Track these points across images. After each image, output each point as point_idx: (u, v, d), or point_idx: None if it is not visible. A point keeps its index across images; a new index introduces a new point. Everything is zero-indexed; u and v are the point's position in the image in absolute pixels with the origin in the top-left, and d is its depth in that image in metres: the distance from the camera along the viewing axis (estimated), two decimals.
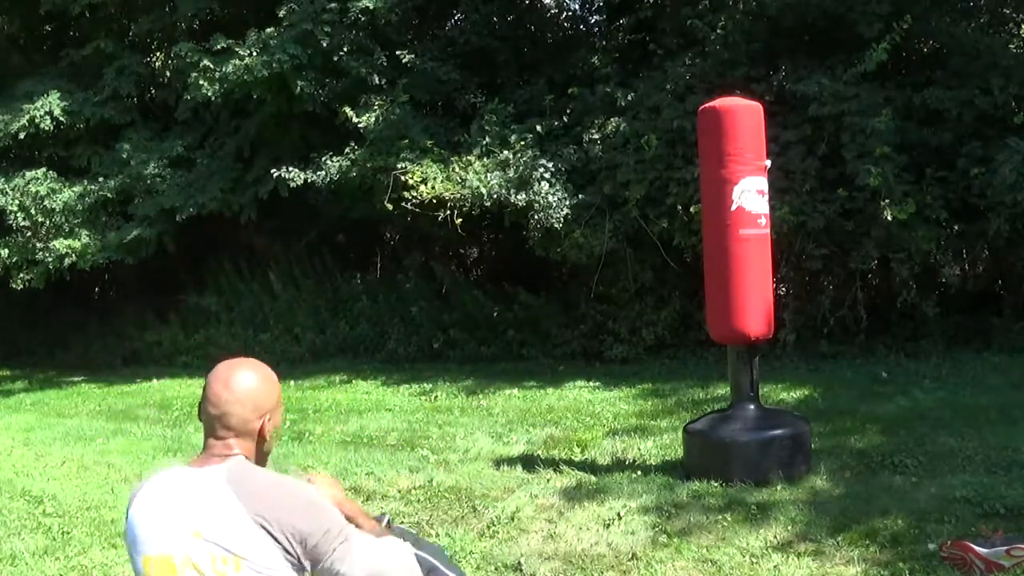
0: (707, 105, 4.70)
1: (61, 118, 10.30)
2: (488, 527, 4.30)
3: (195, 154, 10.32)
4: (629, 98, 8.15)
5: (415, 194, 8.08)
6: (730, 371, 4.82)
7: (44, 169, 10.43)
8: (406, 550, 1.98)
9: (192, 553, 1.73)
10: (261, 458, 1.92)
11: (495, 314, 9.24)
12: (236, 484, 1.76)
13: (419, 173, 8.17)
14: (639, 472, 4.86)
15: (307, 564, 1.75)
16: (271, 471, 1.88)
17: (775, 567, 3.61)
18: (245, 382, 1.90)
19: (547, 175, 7.97)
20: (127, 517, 1.83)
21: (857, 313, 7.60)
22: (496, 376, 8.21)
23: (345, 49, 9.22)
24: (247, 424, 1.86)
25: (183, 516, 1.75)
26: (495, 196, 7.94)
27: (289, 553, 1.73)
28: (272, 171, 9.16)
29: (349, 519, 1.90)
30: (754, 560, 3.69)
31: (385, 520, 2.16)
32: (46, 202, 10.06)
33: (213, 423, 1.85)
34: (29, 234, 10.22)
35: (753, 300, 4.54)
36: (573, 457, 5.33)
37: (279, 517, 1.72)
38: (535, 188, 7.88)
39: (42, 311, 12.62)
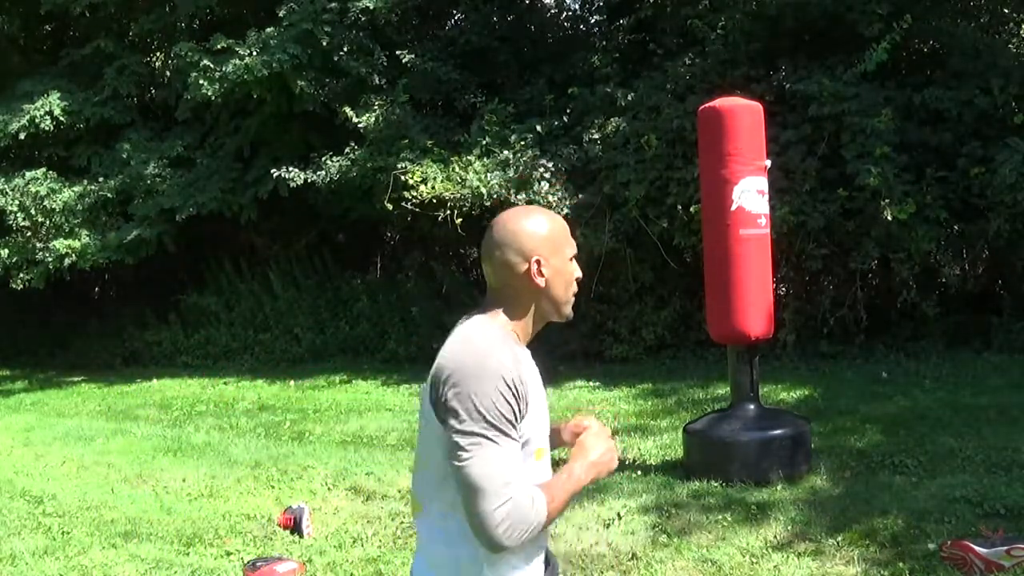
0: (707, 105, 4.70)
1: (61, 118, 10.31)
2: None
3: (195, 154, 10.32)
4: (629, 98, 8.15)
5: (415, 194, 8.08)
6: (730, 371, 4.82)
7: (44, 169, 10.43)
8: (540, 495, 1.72)
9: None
10: (543, 310, 1.76)
11: None
12: (448, 345, 1.67)
13: (419, 173, 8.17)
14: (639, 472, 4.86)
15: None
16: (488, 335, 1.70)
17: (775, 567, 3.61)
18: (513, 223, 1.70)
19: (547, 175, 7.97)
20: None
21: (857, 313, 7.60)
22: None
23: (345, 49, 9.22)
24: (511, 268, 1.68)
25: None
26: (495, 196, 7.94)
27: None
28: (272, 171, 9.16)
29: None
30: (754, 560, 3.69)
31: None
32: (46, 202, 10.06)
33: (486, 274, 1.73)
34: (29, 234, 10.22)
35: (753, 300, 4.54)
36: None
37: (439, 391, 1.64)
38: (535, 188, 7.88)
39: (42, 311, 12.62)
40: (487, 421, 1.53)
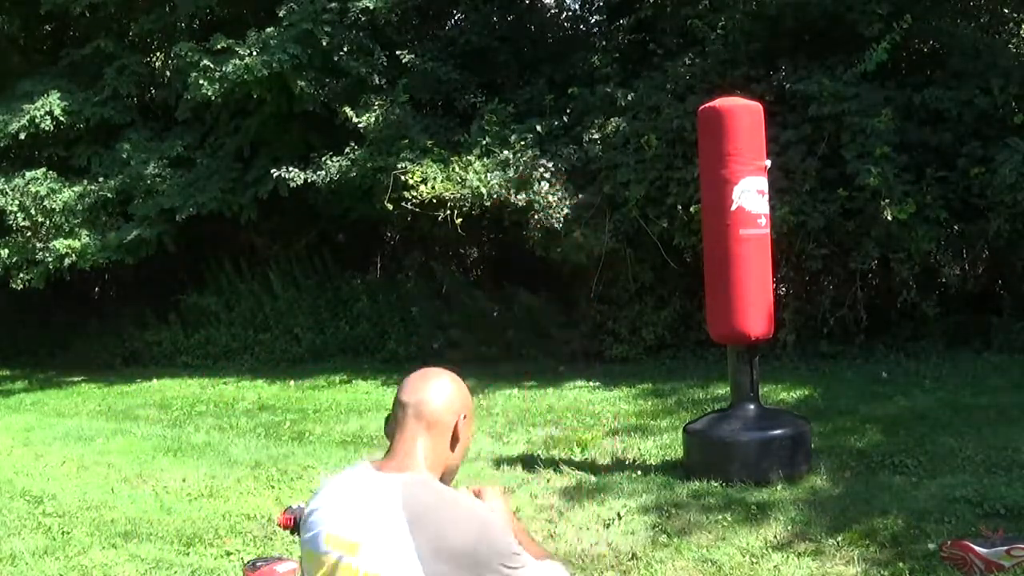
0: (707, 105, 4.70)
1: (61, 118, 10.30)
2: None
3: (195, 154, 10.32)
4: (629, 98, 8.15)
5: (415, 194, 8.08)
6: (730, 371, 4.82)
7: (44, 169, 10.42)
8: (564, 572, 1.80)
9: (351, 565, 1.62)
10: (449, 472, 1.77)
11: (495, 314, 9.23)
12: (409, 500, 1.62)
13: (419, 173, 8.17)
14: (639, 472, 4.86)
15: None
16: (451, 490, 1.72)
17: (775, 567, 3.61)
18: (441, 381, 1.77)
19: (547, 175, 7.97)
20: (308, 515, 1.72)
21: (857, 313, 7.60)
22: (496, 376, 8.20)
23: (345, 49, 9.22)
24: (442, 416, 1.72)
25: (352, 527, 1.64)
26: (495, 196, 7.94)
27: None
28: (272, 171, 9.16)
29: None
30: (754, 560, 3.69)
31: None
32: (46, 202, 10.06)
33: (404, 416, 1.72)
34: (29, 234, 10.22)
35: (753, 300, 4.54)
36: (573, 457, 5.34)
37: (449, 552, 1.58)
38: (535, 188, 7.88)
39: (42, 311, 12.61)
40: None
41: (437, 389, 1.74)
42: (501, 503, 1.84)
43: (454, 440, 1.74)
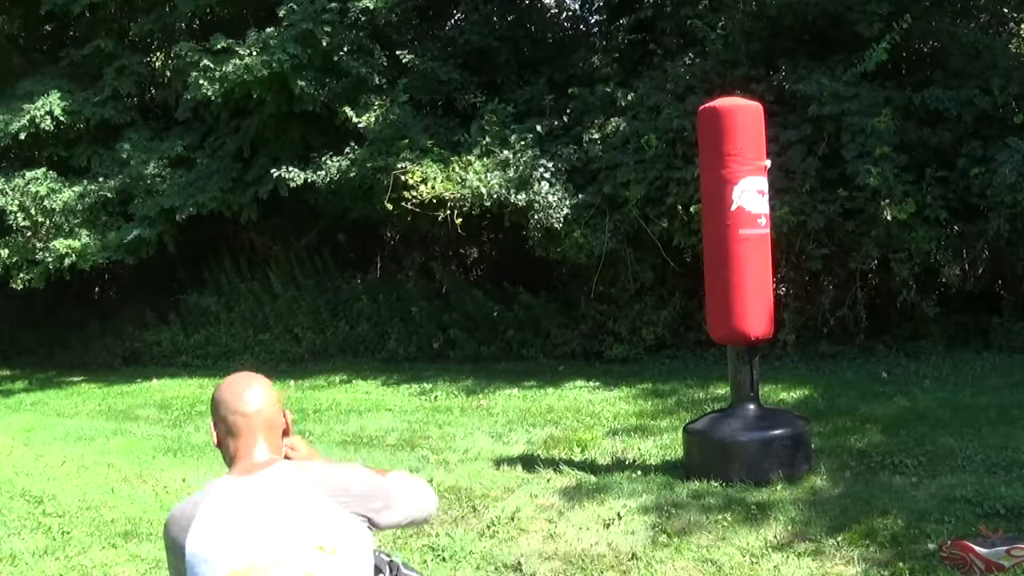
0: (707, 105, 4.70)
1: (61, 118, 10.30)
2: (488, 527, 4.30)
3: (195, 154, 10.32)
4: (629, 98, 8.16)
5: (415, 194, 8.08)
6: (730, 371, 4.82)
7: (44, 169, 10.42)
8: (417, 479, 2.07)
9: (281, 557, 1.74)
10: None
11: (495, 314, 9.23)
12: (303, 475, 1.83)
13: (419, 173, 8.17)
14: (639, 472, 4.86)
15: (377, 522, 1.88)
16: (315, 461, 1.99)
17: (775, 567, 3.61)
18: (261, 387, 1.96)
19: (547, 175, 7.97)
20: (185, 542, 1.75)
21: (857, 313, 7.61)
22: (496, 376, 8.21)
23: (345, 49, 9.21)
24: (275, 417, 1.95)
25: (264, 527, 1.75)
26: (495, 196, 7.94)
27: (364, 519, 1.84)
28: (272, 171, 9.16)
29: None
30: (754, 560, 3.69)
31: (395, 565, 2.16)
32: (46, 202, 10.06)
33: (246, 436, 1.90)
34: (29, 234, 10.22)
35: (753, 300, 4.54)
36: (573, 457, 5.34)
37: (355, 495, 1.84)
38: (535, 188, 7.88)
39: (42, 311, 12.62)
40: None
41: (264, 396, 1.94)
42: (309, 449, 2.09)
43: (286, 431, 1.99)
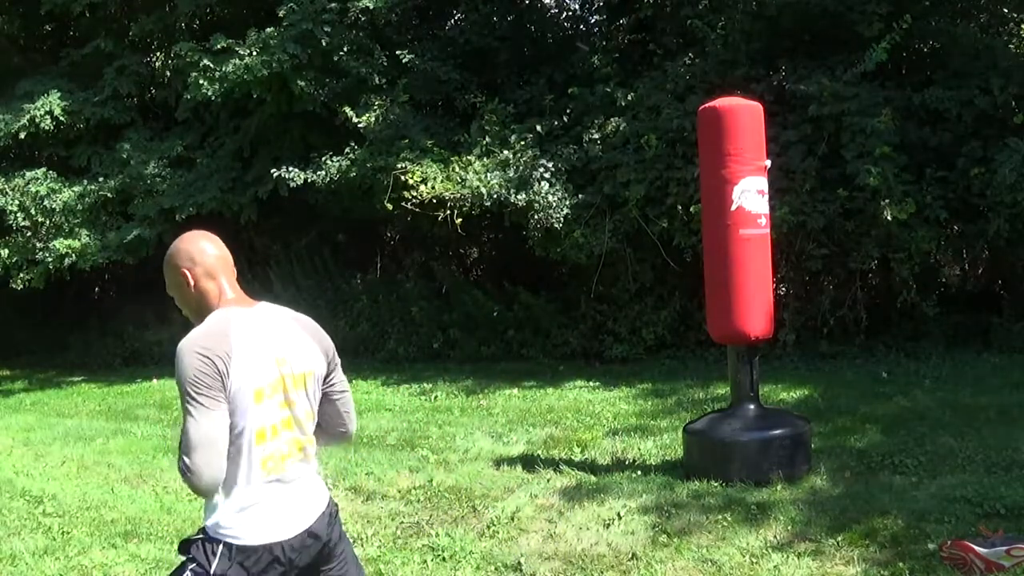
0: (707, 105, 4.70)
1: (61, 118, 10.30)
2: (488, 527, 4.30)
3: (195, 154, 10.32)
4: (629, 98, 8.16)
5: (415, 194, 8.08)
6: (730, 371, 4.82)
7: (44, 169, 10.42)
8: None
9: (289, 372, 2.10)
10: None
11: (495, 314, 9.23)
12: (299, 320, 2.21)
13: (419, 173, 8.17)
14: (639, 472, 4.86)
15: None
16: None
17: (775, 567, 3.61)
18: (214, 235, 2.21)
19: (547, 175, 7.97)
20: (240, 358, 2.01)
21: (857, 313, 7.61)
22: (496, 376, 8.21)
23: (345, 49, 9.21)
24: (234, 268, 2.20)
25: (286, 346, 2.12)
26: (495, 196, 7.94)
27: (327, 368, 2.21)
28: (272, 171, 9.16)
29: None
30: (754, 560, 3.69)
31: None
32: (46, 202, 10.06)
33: (228, 272, 2.15)
34: (29, 234, 10.22)
35: (753, 300, 4.54)
36: (573, 457, 5.34)
37: (325, 345, 2.22)
38: (535, 188, 7.88)
39: (42, 311, 12.61)
40: None
41: (225, 249, 2.18)
42: None
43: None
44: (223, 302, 2.11)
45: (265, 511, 2.03)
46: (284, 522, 2.05)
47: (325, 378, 2.20)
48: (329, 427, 2.25)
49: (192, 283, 2.11)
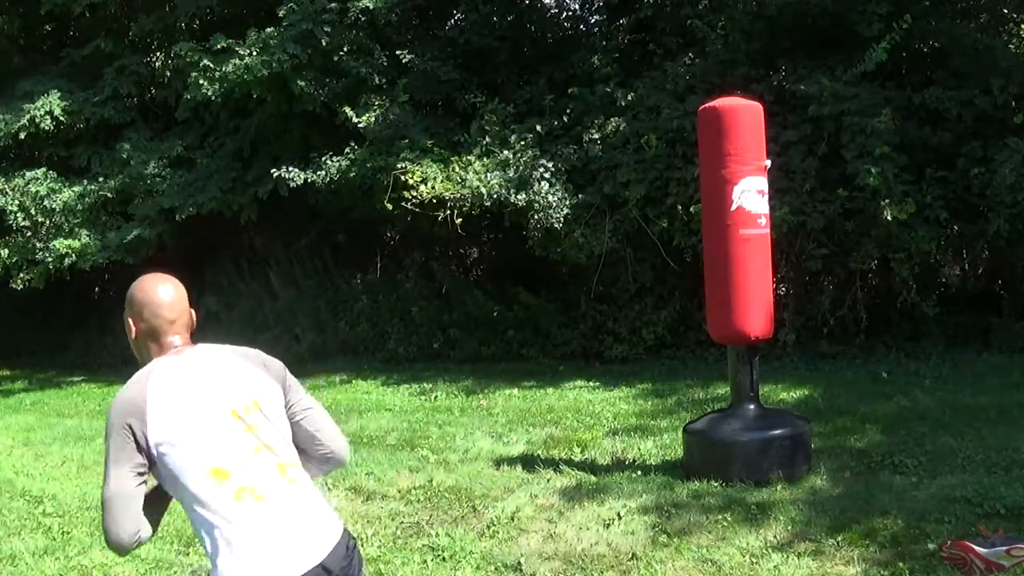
0: (707, 105, 4.70)
1: (61, 118, 10.30)
2: (488, 527, 4.30)
3: (195, 154, 10.32)
4: (629, 98, 8.15)
5: (415, 194, 8.08)
6: (730, 371, 4.82)
7: (44, 169, 10.42)
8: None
9: (238, 405, 2.02)
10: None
11: (495, 314, 9.23)
12: (240, 354, 2.12)
13: (419, 173, 8.17)
14: (639, 472, 4.86)
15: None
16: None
17: (775, 567, 3.61)
18: (176, 286, 2.18)
19: (547, 175, 7.97)
20: (148, 431, 1.94)
21: (857, 313, 7.61)
22: (496, 376, 8.21)
23: (345, 49, 9.21)
24: (190, 320, 2.16)
25: (220, 385, 2.03)
26: (495, 196, 7.94)
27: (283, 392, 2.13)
28: (272, 171, 9.16)
29: None
30: (754, 560, 3.69)
31: None
32: (46, 202, 10.06)
33: (172, 326, 2.11)
34: (29, 234, 10.22)
35: (753, 300, 4.54)
36: (573, 457, 5.34)
37: (283, 378, 2.14)
38: (535, 188, 7.88)
39: (42, 311, 12.61)
40: None
41: (181, 300, 2.15)
42: None
43: (194, 327, 2.19)
44: (162, 354, 2.08)
45: (260, 543, 1.91)
46: (287, 555, 1.91)
47: (286, 404, 2.13)
48: (311, 452, 2.15)
49: (134, 335, 2.13)
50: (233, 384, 2.03)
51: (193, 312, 2.18)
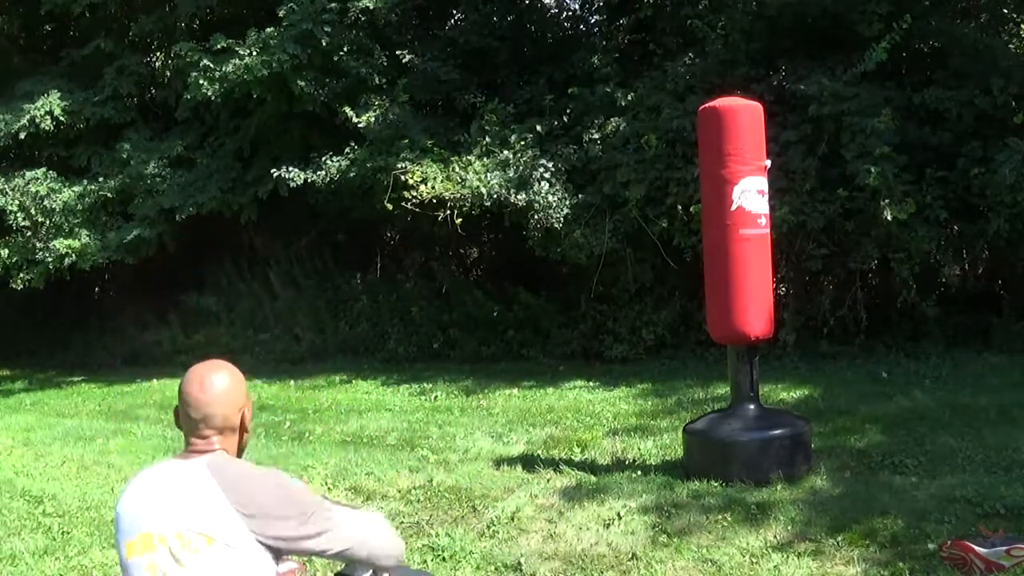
0: (707, 105, 4.70)
1: (61, 118, 10.31)
2: (488, 527, 4.30)
3: (195, 154, 10.32)
4: (629, 98, 8.15)
5: (415, 194, 8.08)
6: (730, 371, 4.82)
7: (44, 169, 10.43)
8: (383, 519, 2.09)
9: (168, 532, 1.82)
10: (241, 451, 2.05)
11: (495, 314, 9.24)
12: (218, 473, 1.86)
13: (419, 173, 8.17)
14: (639, 472, 4.86)
15: (284, 547, 1.85)
16: (248, 462, 2.00)
17: (775, 567, 3.61)
18: (220, 382, 1.97)
19: (547, 175, 7.97)
20: (116, 509, 1.92)
21: (857, 313, 7.60)
22: (496, 376, 8.21)
23: (345, 49, 9.22)
24: (228, 420, 1.96)
25: (165, 501, 1.86)
26: (495, 196, 7.94)
27: (263, 538, 1.82)
28: (272, 171, 9.16)
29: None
30: (754, 560, 3.69)
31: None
32: (46, 202, 10.06)
33: (196, 426, 1.95)
34: (29, 234, 10.22)
35: (753, 300, 4.54)
36: (573, 457, 5.34)
37: (259, 506, 1.83)
38: (535, 188, 7.88)
39: (42, 311, 12.62)
40: None
41: (220, 398, 1.95)
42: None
43: (242, 431, 2.02)
44: (181, 452, 2.00)
45: None
46: None
47: (286, 543, 1.85)
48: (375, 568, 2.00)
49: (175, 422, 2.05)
50: (188, 512, 1.83)
51: (242, 409, 1.99)
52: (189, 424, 1.95)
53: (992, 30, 8.63)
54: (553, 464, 5.13)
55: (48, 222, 10.15)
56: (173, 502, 1.85)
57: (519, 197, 7.89)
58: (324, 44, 9.06)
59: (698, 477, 4.58)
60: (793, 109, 7.56)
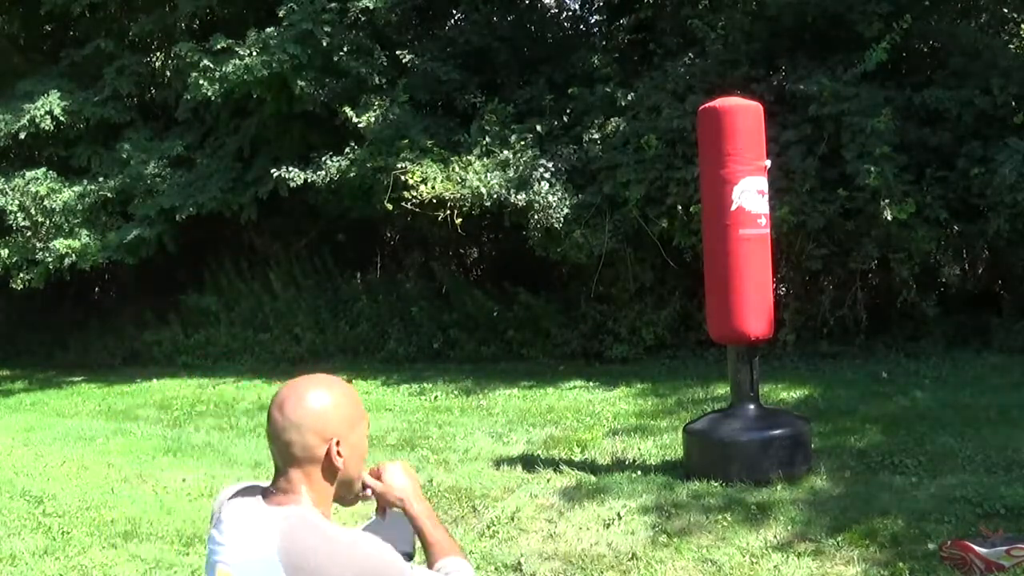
0: (707, 105, 4.70)
1: (61, 118, 10.30)
2: (488, 527, 4.30)
3: (195, 154, 10.32)
4: (629, 98, 8.15)
5: (415, 194, 8.08)
6: (730, 371, 4.82)
7: (44, 169, 10.43)
8: (467, 565, 1.87)
9: None
10: (340, 491, 1.74)
11: (495, 314, 9.23)
12: (285, 543, 1.55)
13: (419, 173, 8.17)
14: (639, 472, 4.86)
15: None
16: (332, 526, 1.62)
17: (775, 567, 3.61)
18: (304, 403, 1.64)
19: (547, 175, 7.97)
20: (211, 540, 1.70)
21: (857, 313, 7.60)
22: (496, 376, 8.20)
23: (345, 49, 9.22)
24: (310, 451, 1.62)
25: (228, 553, 1.62)
26: (495, 196, 7.94)
27: None
28: (272, 171, 9.16)
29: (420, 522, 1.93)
30: (754, 560, 3.69)
31: None
32: (46, 202, 10.06)
33: (276, 458, 1.65)
34: (29, 234, 10.22)
35: (753, 300, 4.54)
36: (573, 457, 5.34)
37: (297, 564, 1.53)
38: (535, 188, 7.88)
39: (42, 311, 12.62)
40: None
41: (301, 421, 1.62)
42: (403, 479, 1.89)
43: (333, 469, 1.66)
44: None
45: None
46: None
47: None
48: None
49: None
50: (227, 550, 1.62)
51: (331, 441, 1.66)
52: (272, 456, 1.64)
53: (992, 30, 8.63)
54: (553, 464, 5.13)
55: (48, 222, 10.15)
56: (235, 560, 1.60)
57: (519, 197, 7.89)
58: (324, 44, 9.06)
59: (698, 477, 4.58)
60: (793, 109, 7.56)
